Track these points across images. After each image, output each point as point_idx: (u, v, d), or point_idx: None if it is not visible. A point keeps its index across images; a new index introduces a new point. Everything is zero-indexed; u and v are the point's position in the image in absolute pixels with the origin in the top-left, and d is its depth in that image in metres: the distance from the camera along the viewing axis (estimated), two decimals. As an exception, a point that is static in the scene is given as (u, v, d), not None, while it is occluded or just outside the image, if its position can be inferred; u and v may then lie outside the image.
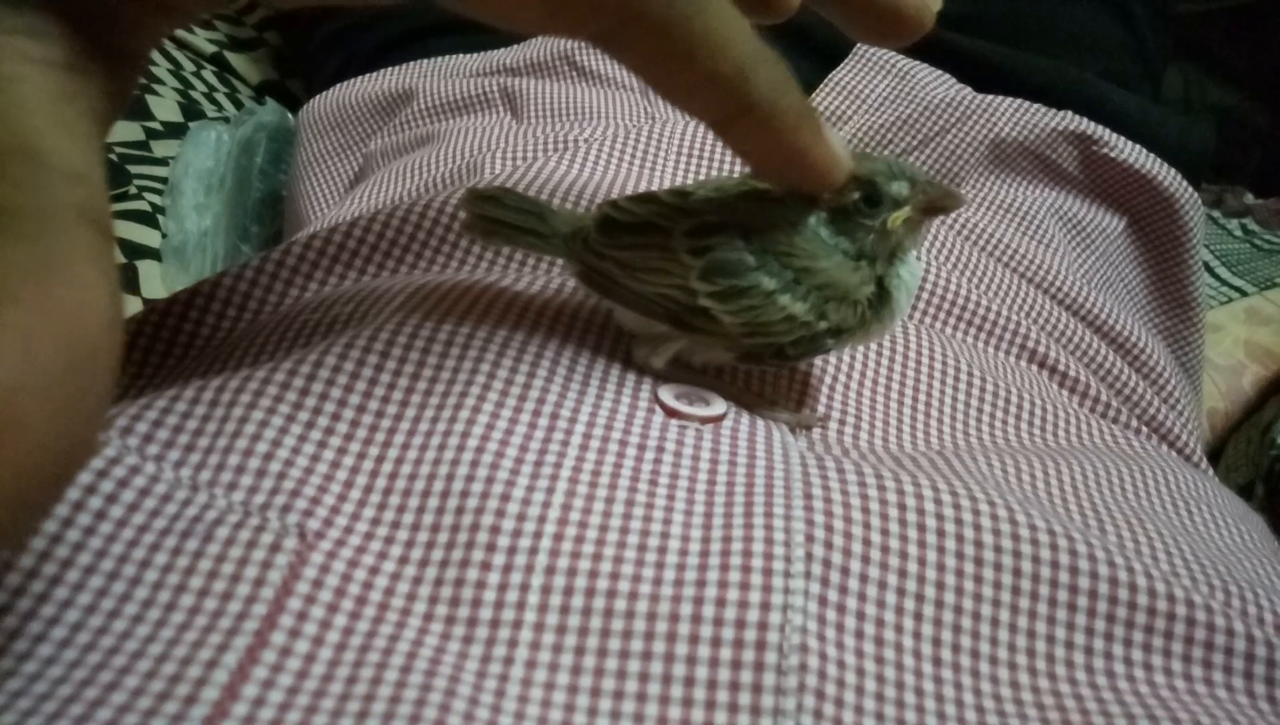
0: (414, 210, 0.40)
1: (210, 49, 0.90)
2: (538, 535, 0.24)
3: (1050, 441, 0.38)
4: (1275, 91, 1.27)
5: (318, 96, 0.71)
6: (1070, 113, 0.61)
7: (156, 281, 0.63)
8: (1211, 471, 0.48)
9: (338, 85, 0.70)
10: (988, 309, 0.45)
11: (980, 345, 0.44)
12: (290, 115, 0.79)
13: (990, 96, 0.61)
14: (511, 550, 0.24)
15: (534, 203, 0.31)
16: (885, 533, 0.26)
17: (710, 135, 0.50)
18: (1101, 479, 0.33)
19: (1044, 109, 0.60)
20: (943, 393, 0.37)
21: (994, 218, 0.56)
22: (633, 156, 0.47)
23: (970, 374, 0.38)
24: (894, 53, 0.62)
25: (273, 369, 0.28)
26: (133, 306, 0.61)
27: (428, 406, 0.28)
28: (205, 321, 0.36)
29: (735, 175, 0.33)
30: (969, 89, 0.61)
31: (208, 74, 0.88)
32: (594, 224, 0.31)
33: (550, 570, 0.24)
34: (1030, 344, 0.45)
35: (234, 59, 0.91)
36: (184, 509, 0.24)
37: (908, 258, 0.32)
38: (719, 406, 0.30)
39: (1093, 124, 0.60)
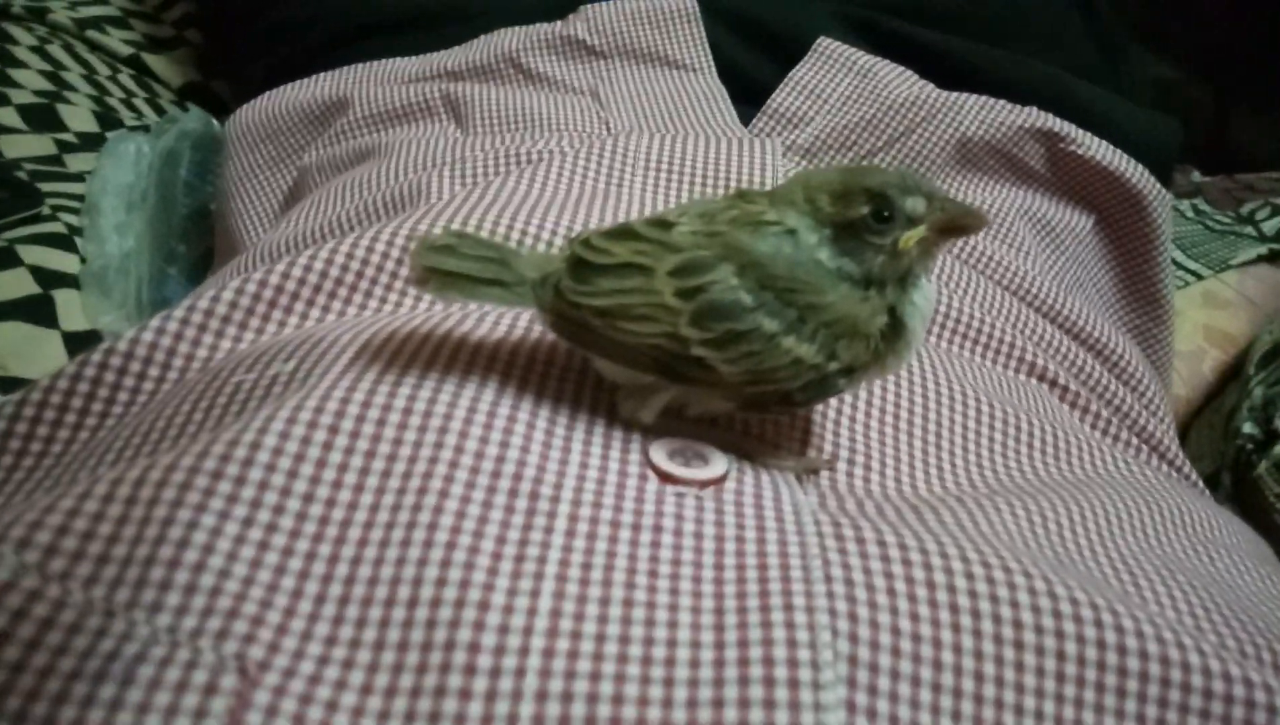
0: (359, 244, 0.36)
1: (126, 50, 0.85)
2: (524, 651, 0.21)
3: (1065, 472, 0.36)
4: (1218, 66, 1.27)
5: (246, 105, 0.66)
6: (1036, 109, 0.59)
7: (77, 312, 0.58)
8: (1202, 483, 0.47)
9: (267, 93, 0.65)
10: (981, 321, 0.43)
11: (978, 361, 0.42)
12: (216, 121, 0.74)
13: (955, 94, 0.59)
14: (495, 672, 0.21)
15: (494, 247, 0.28)
16: (915, 617, 0.23)
17: (681, 148, 0.47)
18: (1124, 521, 0.31)
19: (1010, 106, 0.59)
20: (952, 422, 0.35)
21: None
22: (596, 173, 0.44)
23: (978, 400, 0.36)
24: (855, 49, 0.60)
25: (201, 455, 0.24)
26: (52, 342, 0.56)
27: (386, 491, 0.24)
28: (123, 385, 0.31)
29: (720, 197, 0.30)
30: (932, 86, 0.59)
31: (124, 78, 0.83)
32: (565, 267, 0.28)
33: (541, 695, 0.21)
34: (1028, 357, 0.43)
35: (152, 60, 0.86)
36: (98, 642, 0.20)
37: (920, 281, 0.29)
38: (718, 464, 0.27)
39: (1059, 121, 0.59)
